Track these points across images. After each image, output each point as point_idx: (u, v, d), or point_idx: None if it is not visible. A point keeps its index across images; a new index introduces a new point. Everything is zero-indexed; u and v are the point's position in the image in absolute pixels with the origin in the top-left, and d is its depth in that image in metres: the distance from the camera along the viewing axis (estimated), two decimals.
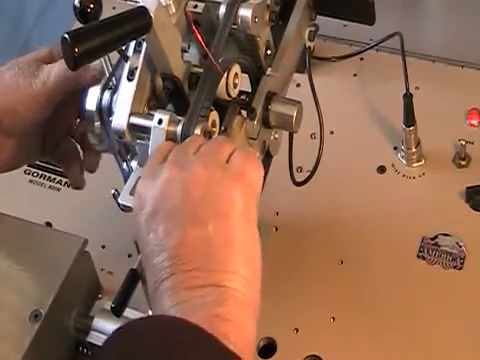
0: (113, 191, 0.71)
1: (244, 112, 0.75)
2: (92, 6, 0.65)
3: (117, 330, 0.56)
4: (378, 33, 0.94)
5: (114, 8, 0.99)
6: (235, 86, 0.72)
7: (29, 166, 1.01)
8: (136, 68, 0.68)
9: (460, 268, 0.85)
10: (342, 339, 0.82)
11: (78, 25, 0.63)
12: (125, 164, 0.74)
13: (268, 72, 0.77)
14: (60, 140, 0.79)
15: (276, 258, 0.88)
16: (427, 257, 0.86)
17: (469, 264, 0.85)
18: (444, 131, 0.95)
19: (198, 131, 0.66)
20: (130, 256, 0.85)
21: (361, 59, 1.02)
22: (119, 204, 0.70)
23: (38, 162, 1.01)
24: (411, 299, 0.84)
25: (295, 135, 0.81)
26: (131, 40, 0.66)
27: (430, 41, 1.04)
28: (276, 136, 0.79)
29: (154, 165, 0.63)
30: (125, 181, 0.72)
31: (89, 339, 0.80)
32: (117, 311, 0.64)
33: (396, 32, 0.92)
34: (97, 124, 0.71)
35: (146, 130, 0.67)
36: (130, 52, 0.68)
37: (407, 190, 0.92)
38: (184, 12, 0.71)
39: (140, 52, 0.68)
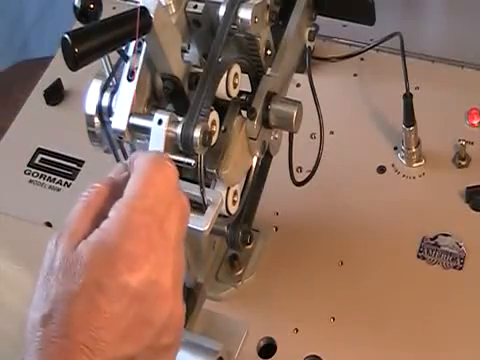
0: None
1: (244, 112, 0.75)
2: (92, 6, 0.65)
3: None
4: (378, 33, 0.94)
5: (114, 8, 0.99)
6: (235, 86, 0.72)
7: (29, 166, 1.01)
8: (136, 68, 0.68)
9: (460, 268, 0.85)
10: (342, 339, 0.82)
11: (78, 25, 0.63)
12: None
13: (268, 72, 0.77)
14: None
15: (276, 258, 0.88)
16: (427, 257, 0.86)
17: (469, 264, 0.85)
18: (444, 131, 0.95)
19: (198, 131, 0.66)
20: None
21: (361, 59, 1.02)
22: None
23: (37, 162, 1.01)
24: (411, 299, 0.84)
25: (295, 135, 0.81)
26: (131, 40, 0.66)
27: (430, 41, 1.04)
28: (276, 136, 0.79)
29: None
30: None
31: None
32: None
33: (396, 32, 0.92)
34: (97, 124, 0.71)
35: (146, 130, 0.67)
36: (130, 52, 0.68)
37: (407, 190, 0.92)
38: (184, 12, 0.71)
39: (140, 52, 0.68)
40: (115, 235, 0.52)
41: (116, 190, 0.55)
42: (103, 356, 0.51)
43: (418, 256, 0.87)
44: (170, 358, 0.56)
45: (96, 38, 0.60)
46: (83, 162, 1.00)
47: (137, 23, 0.61)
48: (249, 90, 0.76)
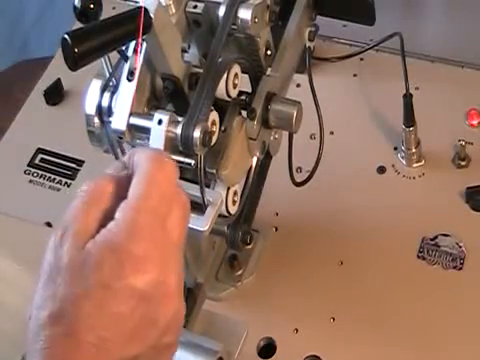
0: None
1: (244, 112, 0.75)
2: (92, 6, 0.65)
3: None
4: (378, 33, 0.94)
5: (114, 8, 0.99)
6: (235, 86, 0.72)
7: (29, 166, 1.01)
8: (136, 68, 0.68)
9: (460, 268, 0.85)
10: (342, 339, 0.82)
11: (78, 25, 0.63)
12: None
13: (268, 72, 0.77)
14: None
15: (276, 258, 0.88)
16: (427, 257, 0.86)
17: (469, 264, 0.85)
18: (444, 131, 0.95)
19: (198, 131, 0.66)
20: None
21: (361, 59, 1.02)
22: None
23: (37, 162, 1.01)
24: (411, 299, 0.84)
25: (295, 135, 0.81)
26: (131, 40, 0.66)
27: (430, 41, 1.04)
28: (276, 136, 0.79)
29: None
30: None
31: None
32: None
33: (396, 32, 0.92)
34: (97, 124, 0.71)
35: (146, 130, 0.67)
36: (130, 52, 0.68)
37: (407, 190, 0.92)
38: (184, 12, 0.71)
39: (140, 52, 0.68)
40: (122, 237, 0.52)
41: (117, 188, 0.55)
42: (109, 356, 0.51)
43: (418, 256, 0.87)
44: (170, 356, 0.57)
45: (96, 38, 0.60)
46: (83, 162, 1.00)
47: (141, 22, 0.62)
48: (249, 90, 0.76)
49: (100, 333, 0.50)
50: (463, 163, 0.92)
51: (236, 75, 0.71)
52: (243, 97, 0.75)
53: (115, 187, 0.56)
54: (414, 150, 0.92)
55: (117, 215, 0.53)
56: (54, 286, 0.52)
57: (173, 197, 0.56)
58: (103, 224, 0.53)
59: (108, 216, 0.54)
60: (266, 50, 0.76)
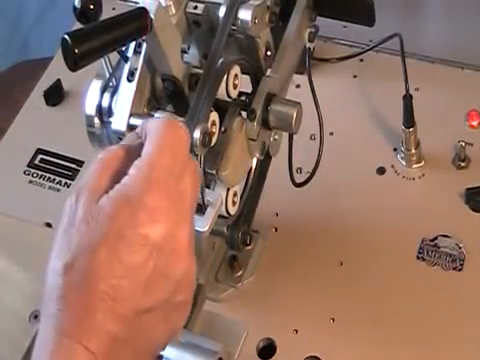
0: None
1: (244, 113, 0.75)
2: (92, 7, 0.65)
3: None
4: (378, 34, 0.94)
5: (114, 9, 0.99)
6: (235, 87, 0.72)
7: (29, 166, 1.01)
8: (136, 69, 0.68)
9: (460, 269, 0.85)
10: (342, 340, 0.82)
11: (78, 26, 0.63)
12: None
13: (268, 73, 0.77)
14: None
15: (276, 259, 0.88)
16: (427, 258, 0.86)
17: (469, 265, 0.85)
18: (444, 132, 0.95)
19: (198, 132, 0.66)
20: None
21: (361, 60, 1.02)
22: None
23: (37, 162, 1.01)
24: (411, 300, 0.84)
25: (295, 136, 0.81)
26: (131, 41, 0.66)
27: (430, 42, 1.04)
28: (276, 137, 0.79)
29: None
30: None
31: None
32: None
33: (396, 33, 0.92)
34: (97, 125, 0.71)
35: None
36: (130, 53, 0.68)
37: (407, 191, 0.92)
38: (184, 13, 0.71)
39: (140, 53, 0.68)
40: (136, 190, 0.53)
41: (131, 154, 0.57)
42: (124, 306, 0.52)
43: (418, 257, 0.87)
44: (183, 315, 0.57)
45: (96, 39, 0.60)
46: (83, 162, 1.00)
47: (148, 21, 0.62)
48: (249, 91, 0.76)
49: (114, 282, 0.51)
50: (463, 164, 0.92)
51: (236, 76, 0.72)
52: (243, 98, 0.75)
53: (128, 153, 0.57)
54: (414, 151, 0.92)
55: (130, 171, 0.55)
56: (69, 238, 0.53)
57: (185, 161, 0.57)
58: (117, 181, 0.54)
59: (121, 175, 0.55)
60: (266, 51, 0.77)
